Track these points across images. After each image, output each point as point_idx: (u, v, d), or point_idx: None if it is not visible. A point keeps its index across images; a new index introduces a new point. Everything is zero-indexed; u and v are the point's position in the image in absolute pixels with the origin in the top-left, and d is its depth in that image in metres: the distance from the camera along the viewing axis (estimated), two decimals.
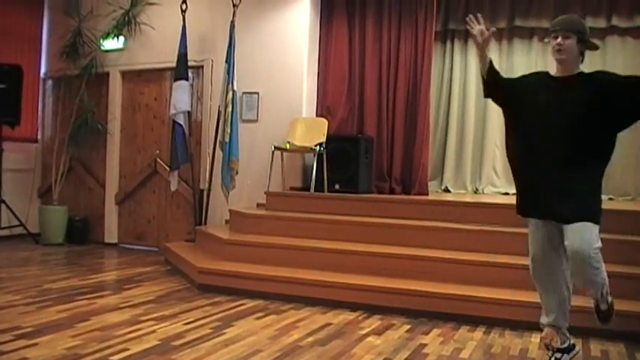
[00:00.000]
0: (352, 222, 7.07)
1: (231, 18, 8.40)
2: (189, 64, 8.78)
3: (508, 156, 4.29)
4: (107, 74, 9.81)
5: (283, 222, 7.35)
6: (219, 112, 8.44)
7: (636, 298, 5.26)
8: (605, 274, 3.92)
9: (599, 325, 4.30)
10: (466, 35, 9.47)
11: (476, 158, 9.52)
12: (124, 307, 5.56)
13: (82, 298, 5.84)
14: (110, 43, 9.70)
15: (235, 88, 8.30)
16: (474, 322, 5.32)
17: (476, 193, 9.24)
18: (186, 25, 8.68)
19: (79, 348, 4.24)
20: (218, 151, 8.46)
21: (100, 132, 9.72)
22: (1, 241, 9.15)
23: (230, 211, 8.09)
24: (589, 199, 3.87)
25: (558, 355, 4.17)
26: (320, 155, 8.11)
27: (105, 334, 4.62)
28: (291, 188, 8.59)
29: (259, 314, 5.51)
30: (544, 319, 4.29)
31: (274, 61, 8.77)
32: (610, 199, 8.76)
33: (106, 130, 9.75)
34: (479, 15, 4.31)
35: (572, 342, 4.26)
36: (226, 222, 8.42)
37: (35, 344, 4.28)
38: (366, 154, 8.31)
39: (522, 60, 9.28)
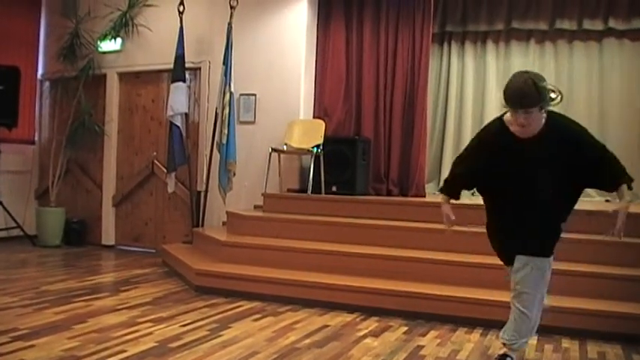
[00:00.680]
0: (349, 224, 7.08)
1: (228, 20, 8.40)
2: (187, 65, 8.79)
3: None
4: (104, 76, 9.80)
5: (280, 224, 7.36)
6: (216, 113, 8.44)
7: (632, 300, 5.28)
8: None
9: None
10: (463, 37, 9.51)
11: None
12: (121, 309, 5.56)
13: (79, 300, 5.84)
14: (107, 45, 9.69)
15: (232, 89, 8.30)
16: (471, 323, 5.33)
17: (473, 195, 9.23)
18: (184, 27, 8.69)
19: (77, 350, 4.23)
20: (215, 152, 8.45)
21: (98, 134, 9.72)
22: None
23: (227, 212, 8.09)
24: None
25: None
26: (317, 157, 8.11)
27: (102, 336, 4.62)
28: (289, 190, 8.59)
29: (256, 316, 5.51)
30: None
31: (271, 63, 8.78)
32: (607, 200, 8.77)
33: (104, 132, 9.75)
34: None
35: None
36: (223, 224, 8.42)
37: (32, 346, 4.28)
38: (363, 156, 8.32)
39: (519, 62, 9.27)
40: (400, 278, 5.98)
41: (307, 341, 4.74)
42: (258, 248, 6.82)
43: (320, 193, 8.13)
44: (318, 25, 9.01)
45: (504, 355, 4.15)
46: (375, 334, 5.03)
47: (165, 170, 8.88)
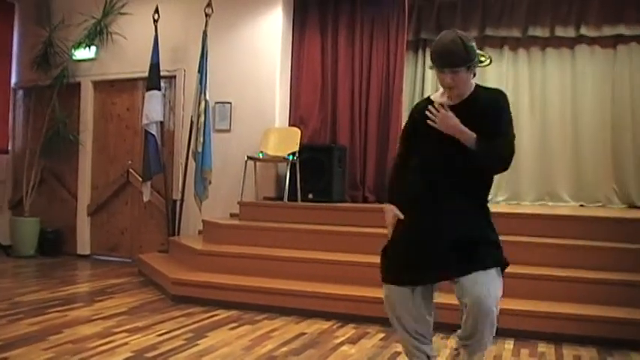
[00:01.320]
0: (326, 231, 7.08)
1: (203, 28, 8.38)
2: (162, 73, 8.77)
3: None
4: (79, 84, 9.75)
5: (257, 232, 7.35)
6: (191, 122, 8.42)
7: (607, 303, 5.33)
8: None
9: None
10: None
11: None
12: (97, 319, 5.52)
13: (53, 311, 5.79)
14: (82, 53, 9.64)
15: (208, 97, 8.29)
16: (448, 329, 5.33)
17: None
18: (159, 35, 8.67)
19: None
20: (191, 161, 8.43)
21: (72, 143, 9.66)
22: None
23: (203, 221, 8.07)
24: None
25: None
26: (293, 165, 8.11)
27: (77, 347, 4.59)
28: (265, 198, 8.58)
29: (233, 324, 5.50)
30: None
31: (247, 71, 8.78)
32: (581, 205, 8.87)
33: (78, 141, 9.68)
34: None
35: None
36: (200, 232, 8.40)
37: (6, 358, 4.24)
38: (339, 163, 8.34)
39: (493, 69, 9.37)
40: (377, 285, 5.92)
41: (284, 349, 4.74)
42: (235, 257, 6.81)
43: (296, 200, 8.13)
44: (293, 33, 9.03)
45: None
46: (352, 342, 5.04)
47: (140, 179, 8.83)
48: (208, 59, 8.38)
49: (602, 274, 5.63)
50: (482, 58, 3.59)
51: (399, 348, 4.82)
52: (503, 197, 9.26)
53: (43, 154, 9.68)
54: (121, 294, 6.78)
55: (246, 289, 6.19)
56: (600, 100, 8.98)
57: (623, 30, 8.69)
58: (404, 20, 8.66)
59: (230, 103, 8.83)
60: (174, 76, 9.21)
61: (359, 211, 7.66)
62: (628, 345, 4.92)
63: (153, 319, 5.61)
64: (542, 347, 4.95)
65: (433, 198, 3.53)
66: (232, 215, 8.31)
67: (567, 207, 8.80)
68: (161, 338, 4.94)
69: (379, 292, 5.71)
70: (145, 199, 8.66)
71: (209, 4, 8.38)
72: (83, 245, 9.74)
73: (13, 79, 10.28)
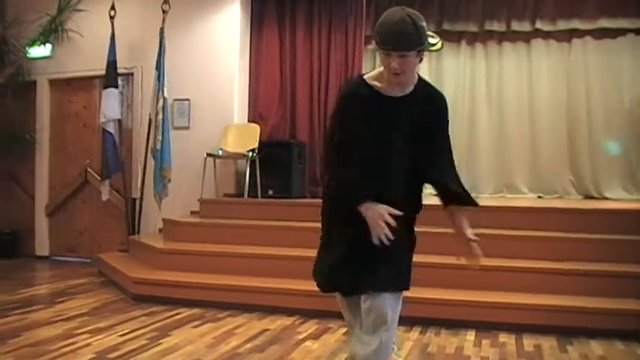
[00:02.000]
0: (287, 227, 7.10)
1: (160, 24, 8.33)
2: (119, 71, 8.68)
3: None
4: (34, 83, 9.60)
5: (217, 229, 7.33)
6: (150, 119, 8.37)
7: (566, 293, 5.44)
8: None
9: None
10: None
11: None
12: (57, 321, 5.46)
13: (12, 314, 5.71)
14: (37, 51, 9.49)
15: (166, 95, 8.23)
16: (410, 322, 5.38)
17: None
18: (115, 32, 8.57)
19: None
20: (150, 159, 8.37)
21: (29, 142, 9.51)
22: None
23: (163, 219, 8.02)
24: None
25: None
26: (253, 161, 8.10)
27: (38, 350, 4.53)
28: (225, 195, 8.56)
29: (196, 323, 5.48)
30: None
31: (205, 68, 8.74)
32: (539, 197, 9.00)
33: (35, 140, 9.54)
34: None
35: None
36: (160, 231, 8.34)
37: None
38: (299, 159, 8.34)
39: (451, 63, 9.49)
40: None
41: (248, 346, 4.74)
42: (196, 254, 6.78)
43: (256, 197, 8.12)
44: (251, 28, 9.00)
45: None
46: (314, 337, 5.06)
47: (99, 178, 8.76)
48: (166, 56, 8.32)
49: (561, 264, 5.73)
50: (434, 41, 3.08)
51: None
52: None
53: None
54: (81, 295, 6.72)
55: (208, 286, 6.17)
56: (556, 93, 9.12)
57: (577, 24, 8.83)
58: (361, 15, 8.68)
59: (188, 100, 8.78)
60: (132, 74, 9.13)
61: (319, 206, 7.64)
62: (586, 333, 5.03)
63: (115, 319, 5.57)
64: (503, 338, 5.02)
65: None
66: (192, 213, 8.27)
67: (525, 199, 8.92)
68: (123, 338, 4.90)
69: None
70: (104, 198, 8.58)
71: (166, 1, 8.32)
72: (41, 246, 9.61)
73: None
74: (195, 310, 5.92)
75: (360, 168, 3.05)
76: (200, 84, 8.74)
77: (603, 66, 8.94)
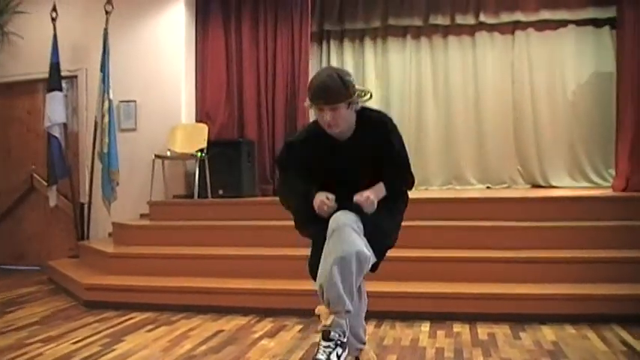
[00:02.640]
0: (238, 227, 7.06)
1: (104, 25, 8.21)
2: (63, 74, 8.54)
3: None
4: None
5: (168, 231, 7.27)
6: (95, 122, 8.26)
7: (516, 281, 5.54)
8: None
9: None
10: (342, 35, 9.69)
11: None
12: (7, 332, 5.35)
13: None
14: None
15: (112, 97, 8.14)
16: (365, 316, 5.39)
17: None
18: (58, 34, 8.43)
19: None
20: (97, 162, 8.27)
21: None
22: None
23: (113, 223, 7.92)
24: None
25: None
26: (202, 161, 8.06)
27: None
28: (175, 196, 8.50)
29: (150, 327, 5.42)
30: None
31: (151, 68, 8.66)
32: (488, 187, 9.12)
33: None
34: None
35: None
36: (110, 235, 8.24)
37: None
38: (248, 157, 8.33)
39: (397, 57, 9.58)
40: (292, 277, 5.99)
41: (203, 348, 4.71)
42: (147, 257, 6.71)
43: (206, 197, 8.08)
44: (196, 27, 8.96)
45: None
46: (270, 335, 5.04)
47: (45, 183, 8.61)
48: (110, 57, 8.22)
49: (510, 252, 5.82)
50: (362, 94, 3.39)
51: (318, 338, 4.85)
52: None
53: None
54: (31, 303, 6.59)
55: (161, 289, 6.11)
56: (501, 85, 9.27)
57: (520, 17, 8.98)
58: (307, 12, 8.70)
59: (135, 101, 8.69)
60: (76, 76, 9.00)
61: (270, 204, 7.65)
62: (538, 319, 5.12)
63: (67, 327, 5.48)
64: (457, 327, 5.07)
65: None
66: (142, 216, 8.20)
67: (474, 189, 9.03)
68: (76, 346, 4.82)
69: (295, 285, 5.77)
70: (52, 204, 8.44)
71: (109, 1, 8.22)
72: None
73: None
74: (149, 314, 5.86)
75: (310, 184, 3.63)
76: (146, 85, 8.66)
77: (546, 57, 9.12)
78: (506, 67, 9.27)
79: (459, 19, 9.17)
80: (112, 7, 8.25)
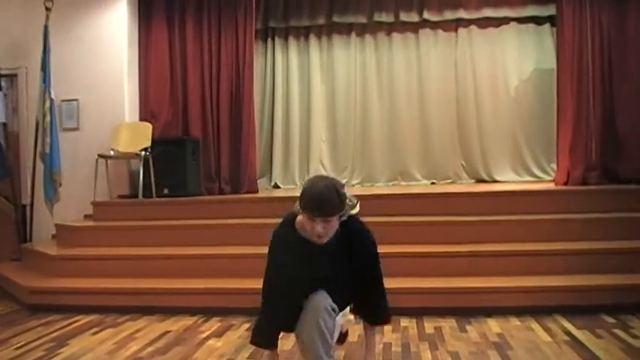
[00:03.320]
0: (183, 226, 7.01)
1: (44, 22, 8.06)
2: (2, 72, 8.42)
3: None
4: None
5: (112, 232, 7.18)
6: (37, 122, 8.11)
7: (462, 274, 5.64)
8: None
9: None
10: (287, 33, 9.71)
11: (303, 153, 9.75)
12: None
13: None
14: None
15: (53, 96, 7.99)
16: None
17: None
18: None
19: None
20: (39, 163, 8.12)
21: None
22: None
23: (56, 225, 7.79)
24: None
25: None
26: (146, 160, 7.98)
27: None
28: (119, 196, 8.40)
29: (95, 329, 5.36)
30: None
31: (93, 67, 8.54)
32: (432, 183, 9.22)
33: None
34: None
35: None
36: (53, 237, 8.10)
37: None
38: (192, 155, 8.27)
39: (342, 54, 9.64)
40: (239, 276, 5.98)
41: (150, 349, 4.67)
42: (92, 259, 6.62)
43: (151, 196, 8.00)
44: (139, 25, 8.87)
45: None
46: (217, 335, 5.03)
47: None
48: (51, 55, 8.06)
49: (455, 247, 5.92)
50: (351, 203, 3.42)
51: None
52: (357, 180, 9.49)
53: None
54: None
55: (105, 291, 6.03)
56: (444, 81, 9.40)
57: (463, 14, 9.14)
58: (252, 9, 8.66)
59: (77, 100, 8.57)
60: (16, 75, 8.82)
61: (216, 202, 7.65)
62: (483, 312, 5.22)
63: (9, 332, 5.38)
64: (404, 322, 5.12)
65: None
66: (86, 217, 8.08)
67: (419, 185, 9.12)
68: (20, 351, 4.74)
69: (241, 283, 5.76)
70: None
71: None
72: None
73: None
74: (94, 317, 5.78)
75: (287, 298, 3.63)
76: (88, 83, 8.54)
77: (489, 54, 9.29)
78: (449, 64, 9.41)
79: (403, 17, 9.27)
80: (52, 3, 8.09)
